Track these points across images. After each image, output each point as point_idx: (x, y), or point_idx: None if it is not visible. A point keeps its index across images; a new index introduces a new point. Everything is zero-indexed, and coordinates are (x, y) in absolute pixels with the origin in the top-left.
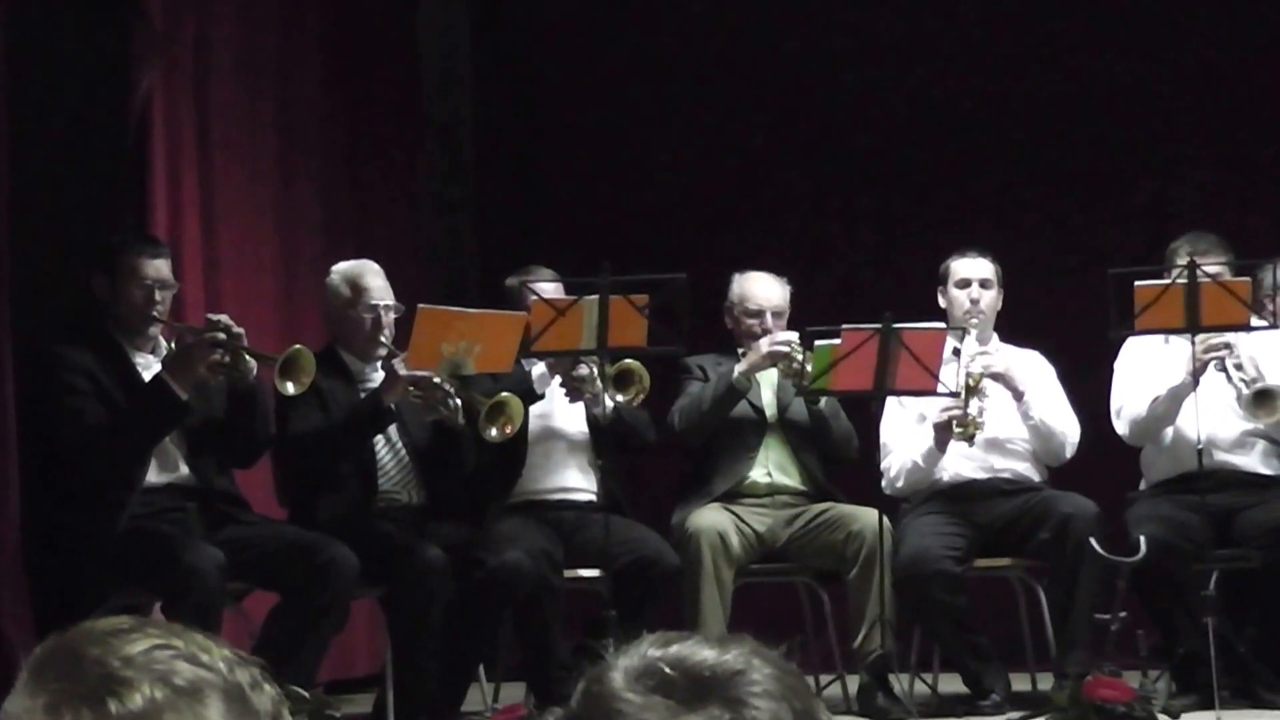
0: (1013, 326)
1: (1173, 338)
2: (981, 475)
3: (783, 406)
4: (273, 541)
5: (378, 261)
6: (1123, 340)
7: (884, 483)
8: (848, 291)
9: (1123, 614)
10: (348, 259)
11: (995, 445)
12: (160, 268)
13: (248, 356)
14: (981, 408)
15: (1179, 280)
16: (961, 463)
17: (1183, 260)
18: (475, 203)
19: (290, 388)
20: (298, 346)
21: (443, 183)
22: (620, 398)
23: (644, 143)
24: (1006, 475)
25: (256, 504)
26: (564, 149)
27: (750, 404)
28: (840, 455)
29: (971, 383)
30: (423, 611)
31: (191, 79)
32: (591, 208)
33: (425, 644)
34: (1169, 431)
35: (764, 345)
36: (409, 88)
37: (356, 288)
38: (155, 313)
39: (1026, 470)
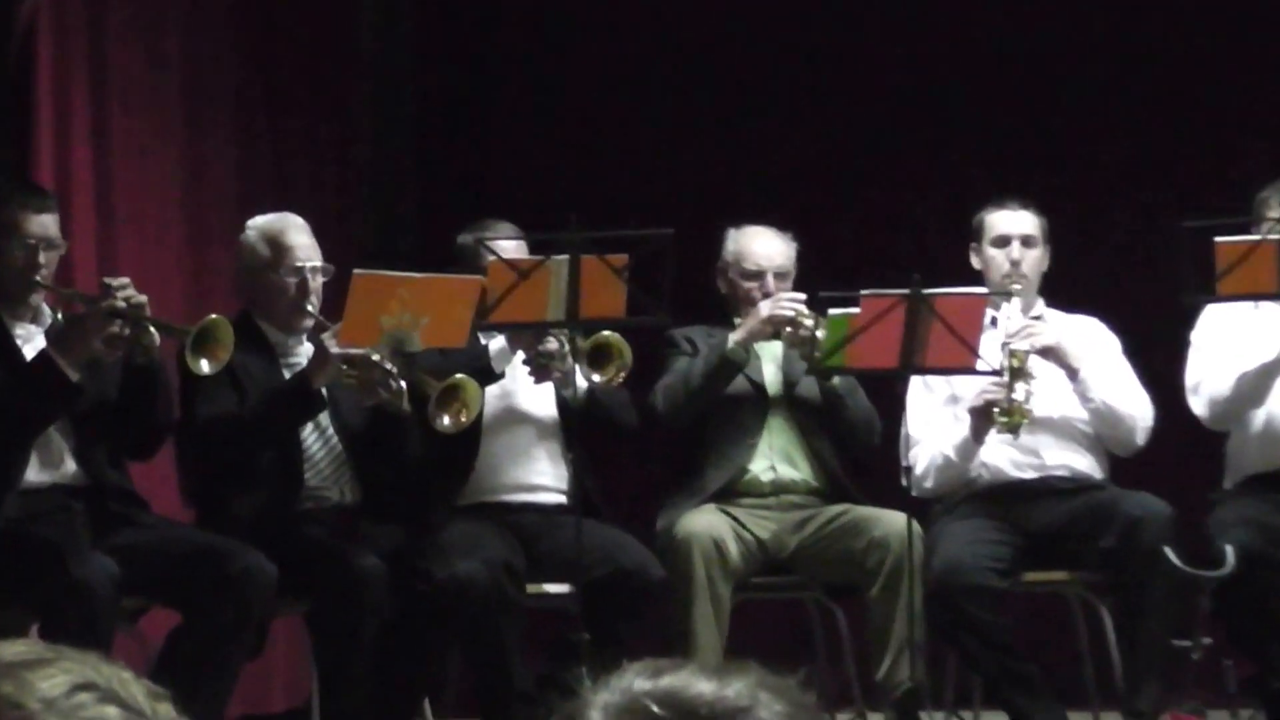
0: (1062, 291)
1: (1264, 302)
2: (1030, 474)
3: (789, 383)
4: (175, 548)
5: (303, 215)
6: (1201, 307)
7: (911, 480)
8: (864, 251)
9: (1206, 640)
10: (266, 213)
11: (1047, 434)
12: (45, 224)
13: (151, 328)
14: (1029, 392)
15: (1271, 236)
16: (1004, 457)
17: (1275, 212)
18: (417, 148)
19: (205, 365)
20: (214, 316)
21: (379, 125)
22: (596, 377)
23: (618, 76)
24: (1060, 472)
25: (157, 503)
26: (522, 83)
27: (749, 380)
28: (859, 440)
29: (1015, 362)
30: (355, 632)
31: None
32: (557, 152)
33: (358, 671)
34: (1260, 416)
35: (764, 308)
36: (339, 16)
37: (277, 246)
38: (39, 276)
39: (1085, 465)
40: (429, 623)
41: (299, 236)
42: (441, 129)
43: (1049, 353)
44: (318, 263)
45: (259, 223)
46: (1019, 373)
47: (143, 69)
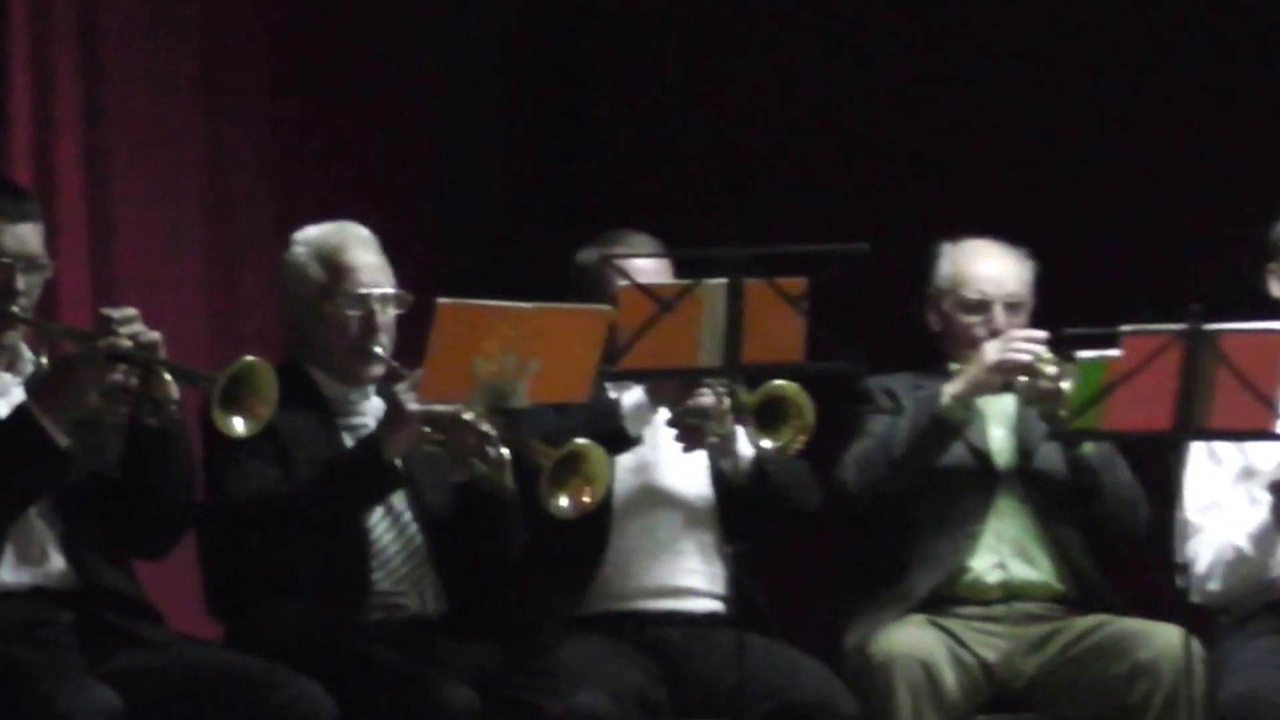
0: None
1: None
2: None
3: (1024, 452)
4: (198, 674)
5: (369, 225)
6: None
7: (1190, 582)
8: (1125, 275)
9: None
10: (317, 222)
11: None
12: (23, 237)
13: (165, 376)
14: None
15: None
16: None
17: None
18: (521, 137)
19: (240, 426)
20: (250, 359)
21: (468, 105)
22: (766, 443)
23: (787, 49)
24: None
25: (173, 614)
26: (661, 48)
27: (970, 447)
28: (1119, 528)
29: None
30: None
31: None
32: (707, 142)
33: None
34: None
35: (991, 352)
36: None
37: (335, 267)
38: (15, 307)
39: None
40: None
41: (363, 254)
42: (552, 108)
43: None
44: (390, 289)
45: (310, 236)
46: None
47: (146, 40)
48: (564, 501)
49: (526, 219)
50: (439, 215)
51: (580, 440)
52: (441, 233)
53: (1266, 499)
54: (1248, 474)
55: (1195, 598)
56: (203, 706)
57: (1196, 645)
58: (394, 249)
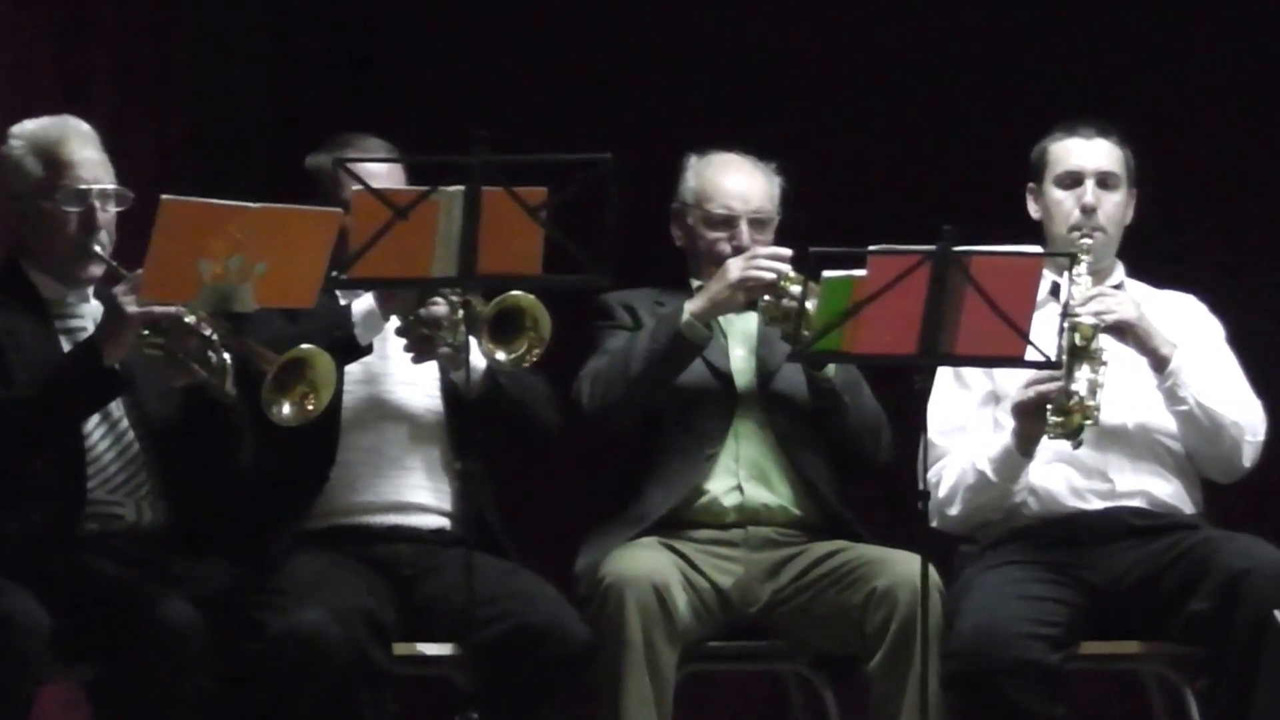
0: (1157, 263)
1: None
2: (1095, 503)
3: (765, 373)
4: None
5: (94, 122)
6: None
7: (930, 507)
8: (875, 192)
9: None
10: (36, 116)
11: (1119, 449)
12: None
13: None
14: (1096, 382)
15: None
16: (1060, 478)
17: None
18: (271, 31)
19: None
20: None
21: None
22: (501, 355)
23: None
24: (1136, 502)
25: None
26: None
27: (710, 366)
28: (861, 453)
29: (1079, 340)
30: (160, 706)
31: None
32: (454, 45)
33: None
34: None
35: (734, 269)
36: None
37: (53, 162)
38: None
39: (1169, 494)
40: (263, 692)
41: (83, 149)
42: (305, 11)
43: (1126, 333)
44: (110, 185)
45: (27, 130)
46: (1083, 355)
47: None
48: (287, 409)
49: (297, 128)
50: (184, 112)
51: (305, 345)
52: (186, 129)
53: (1010, 423)
54: (994, 398)
55: (935, 523)
56: None
57: (935, 574)
58: (129, 142)
